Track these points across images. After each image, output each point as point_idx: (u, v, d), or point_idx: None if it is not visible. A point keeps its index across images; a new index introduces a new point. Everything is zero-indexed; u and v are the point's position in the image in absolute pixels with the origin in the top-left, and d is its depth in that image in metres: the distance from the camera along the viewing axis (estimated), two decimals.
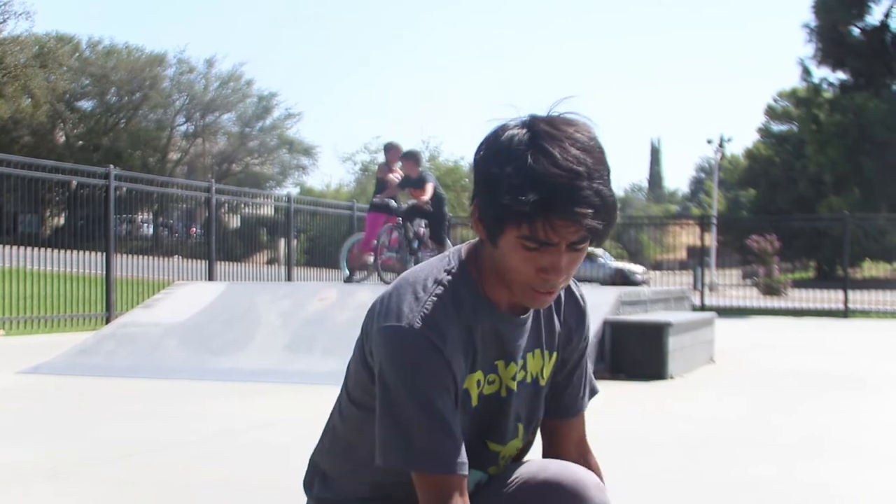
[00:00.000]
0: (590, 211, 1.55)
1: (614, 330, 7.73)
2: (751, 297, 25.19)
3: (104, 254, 13.52)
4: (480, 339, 1.70)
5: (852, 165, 41.72)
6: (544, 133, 1.59)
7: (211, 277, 15.62)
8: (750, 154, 53.70)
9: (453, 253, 1.77)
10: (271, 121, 50.88)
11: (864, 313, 21.30)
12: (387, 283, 10.18)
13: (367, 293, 8.44)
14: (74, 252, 13.55)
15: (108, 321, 12.37)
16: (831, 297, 22.38)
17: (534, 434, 1.89)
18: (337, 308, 8.18)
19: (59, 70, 43.13)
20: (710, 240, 32.44)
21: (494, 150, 1.62)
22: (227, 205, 19.40)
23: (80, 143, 45.17)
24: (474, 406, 1.72)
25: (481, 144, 1.66)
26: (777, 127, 52.72)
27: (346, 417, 1.82)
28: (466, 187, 41.36)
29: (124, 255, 14.63)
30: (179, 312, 8.45)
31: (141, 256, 15.34)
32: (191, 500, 3.46)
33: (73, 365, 7.68)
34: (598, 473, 1.90)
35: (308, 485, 1.93)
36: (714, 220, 31.15)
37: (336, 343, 7.36)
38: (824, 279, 34.50)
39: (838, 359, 9.89)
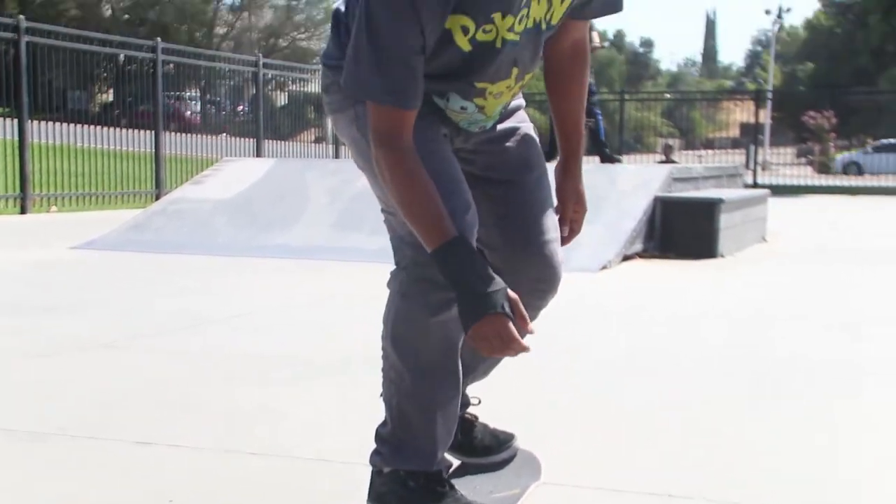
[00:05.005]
0: None
1: (664, 207, 7.61)
2: (805, 175, 24.73)
3: (153, 131, 13.56)
4: None
5: None
6: None
7: (259, 155, 15.65)
8: (810, 25, 52.10)
9: None
10: None
11: None
12: None
13: None
14: (123, 129, 13.60)
15: (157, 198, 12.48)
16: (889, 176, 21.91)
17: (527, 76, 1.90)
18: None
19: None
20: (765, 116, 31.75)
21: None
22: (273, 81, 19.26)
23: (126, 16, 44.85)
24: (466, 51, 1.74)
25: None
26: None
27: None
28: None
29: (172, 133, 14.67)
30: (228, 189, 8.48)
31: (188, 134, 15.36)
32: (234, 368, 3.50)
33: (124, 241, 7.77)
34: (582, 75, 2.02)
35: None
36: (769, 96, 30.43)
37: None
38: None
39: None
